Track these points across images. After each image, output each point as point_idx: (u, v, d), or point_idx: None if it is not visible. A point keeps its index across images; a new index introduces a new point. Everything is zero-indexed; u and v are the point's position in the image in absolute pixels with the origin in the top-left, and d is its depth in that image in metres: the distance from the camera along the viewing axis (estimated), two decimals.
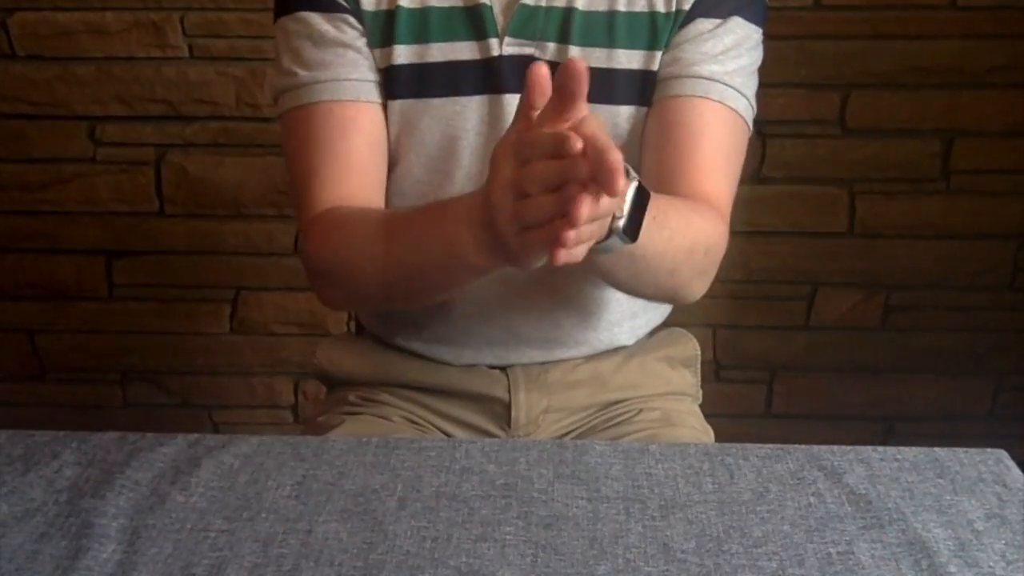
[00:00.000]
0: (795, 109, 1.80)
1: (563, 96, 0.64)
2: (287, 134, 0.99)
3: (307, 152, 0.96)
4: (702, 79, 0.94)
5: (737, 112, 0.96)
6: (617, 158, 0.61)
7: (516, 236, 0.69)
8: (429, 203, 0.87)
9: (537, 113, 0.67)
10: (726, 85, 0.95)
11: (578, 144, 0.62)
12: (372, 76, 0.97)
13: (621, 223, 0.72)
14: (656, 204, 0.77)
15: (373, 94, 0.97)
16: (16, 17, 1.79)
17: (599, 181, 0.62)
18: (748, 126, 0.98)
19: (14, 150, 1.88)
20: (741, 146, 0.98)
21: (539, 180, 0.66)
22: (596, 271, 0.89)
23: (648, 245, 0.78)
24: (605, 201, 0.65)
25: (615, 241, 0.74)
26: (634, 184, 0.73)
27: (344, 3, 0.95)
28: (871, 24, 1.77)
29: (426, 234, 0.84)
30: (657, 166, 0.95)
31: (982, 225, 1.89)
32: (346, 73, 0.95)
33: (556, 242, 0.65)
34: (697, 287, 0.94)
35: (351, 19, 0.95)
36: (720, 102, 0.95)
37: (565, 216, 0.64)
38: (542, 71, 0.66)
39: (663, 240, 0.83)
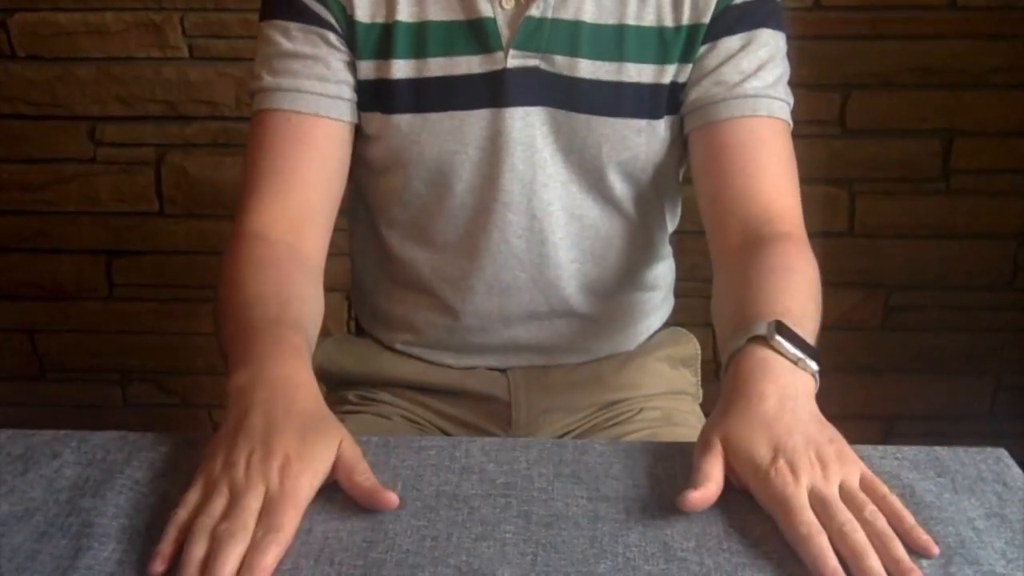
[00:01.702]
0: (795, 109, 1.79)
1: None
2: (249, 134, 0.97)
3: (256, 158, 0.95)
4: (748, 98, 0.94)
5: (784, 120, 0.96)
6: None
7: None
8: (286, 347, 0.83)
9: None
10: (772, 98, 0.95)
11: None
12: (339, 92, 0.95)
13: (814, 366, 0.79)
14: (788, 319, 0.80)
15: (336, 111, 0.95)
16: (16, 17, 1.79)
17: None
18: (791, 125, 0.99)
19: (14, 150, 1.88)
20: (793, 150, 0.98)
21: None
22: None
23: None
24: None
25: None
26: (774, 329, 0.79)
27: (328, 17, 0.94)
28: (871, 24, 1.77)
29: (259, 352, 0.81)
30: (721, 192, 0.95)
31: (982, 225, 1.89)
32: (310, 86, 0.94)
33: None
34: None
35: (330, 35, 0.95)
36: (768, 116, 0.95)
37: None
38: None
39: (812, 332, 0.84)
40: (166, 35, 1.80)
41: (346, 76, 0.95)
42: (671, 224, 1.11)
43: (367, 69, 0.96)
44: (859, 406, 2.02)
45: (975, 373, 2.00)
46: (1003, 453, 0.84)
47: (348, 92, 0.96)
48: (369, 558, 0.71)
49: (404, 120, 0.96)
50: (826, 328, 2.06)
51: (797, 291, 0.86)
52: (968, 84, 1.80)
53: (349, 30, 0.95)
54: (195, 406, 2.07)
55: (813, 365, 0.79)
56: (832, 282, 1.92)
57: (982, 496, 0.78)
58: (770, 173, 0.94)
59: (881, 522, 0.70)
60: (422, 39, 0.95)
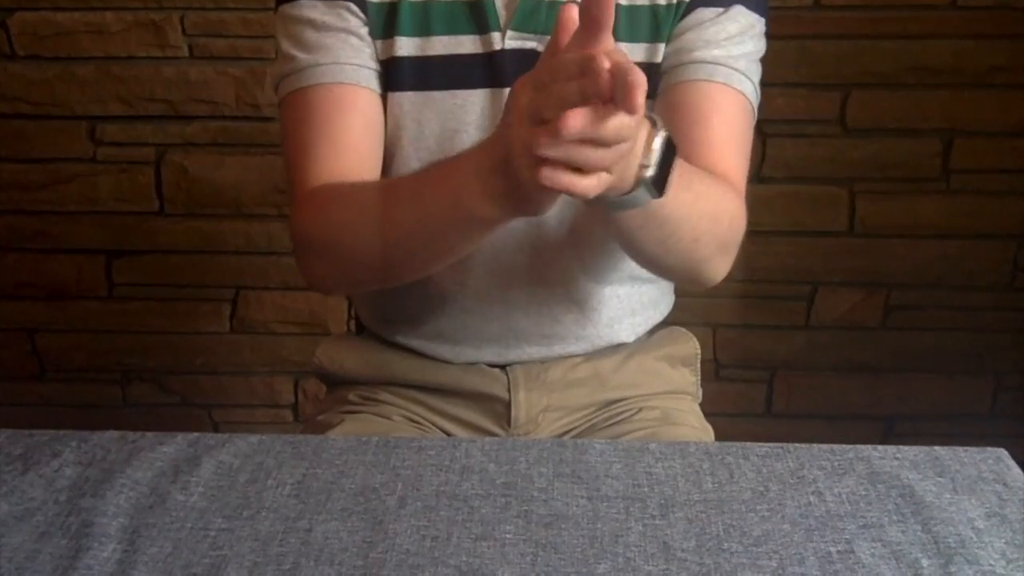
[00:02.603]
0: (795, 109, 1.80)
1: (589, 27, 0.63)
2: (284, 117, 0.98)
3: (302, 131, 0.95)
4: (706, 63, 0.94)
5: (743, 94, 0.96)
6: (640, 77, 0.60)
7: (529, 169, 0.66)
8: (431, 162, 0.85)
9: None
10: (731, 68, 0.94)
11: (605, 62, 0.61)
12: (373, 64, 0.96)
13: (649, 172, 0.71)
14: (682, 164, 0.76)
15: (373, 82, 0.96)
16: (16, 17, 1.79)
17: (620, 98, 0.61)
18: (754, 111, 0.98)
19: (14, 150, 1.88)
20: (749, 128, 0.98)
21: (558, 101, 0.63)
22: (621, 234, 0.86)
23: (674, 204, 0.77)
24: (616, 123, 0.63)
25: (642, 193, 0.72)
26: (662, 135, 0.72)
27: None
28: (871, 24, 1.77)
29: (429, 189, 0.82)
30: None
31: (982, 225, 1.89)
32: (347, 57, 0.95)
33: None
34: (719, 264, 0.92)
35: (353, 7, 0.95)
36: (726, 84, 0.94)
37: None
38: (571, 12, 0.65)
39: (689, 202, 0.81)
40: (166, 34, 1.80)
41: (373, 47, 0.96)
42: None
43: (376, 47, 0.96)
44: (859, 406, 2.02)
45: (975, 373, 2.00)
46: (1003, 453, 0.84)
47: (377, 64, 0.97)
48: (369, 558, 0.71)
49: (407, 98, 0.97)
50: (826, 327, 2.08)
51: (704, 182, 0.85)
52: (968, 84, 1.80)
53: (362, 8, 0.96)
54: (195, 406, 2.07)
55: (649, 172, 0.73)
56: (832, 282, 1.95)
57: (982, 496, 0.78)
58: (718, 136, 0.94)
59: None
60: (426, 17, 0.96)
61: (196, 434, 0.85)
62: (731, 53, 0.95)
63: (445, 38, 0.96)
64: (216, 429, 2.08)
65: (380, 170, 0.98)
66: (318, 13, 0.96)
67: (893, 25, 1.77)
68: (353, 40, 0.96)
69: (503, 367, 1.07)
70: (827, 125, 1.82)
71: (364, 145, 0.96)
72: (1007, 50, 1.78)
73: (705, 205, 0.86)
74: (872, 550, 0.72)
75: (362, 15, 0.96)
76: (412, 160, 0.99)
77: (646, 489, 0.78)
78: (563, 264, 1.03)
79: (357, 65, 0.95)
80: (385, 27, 0.96)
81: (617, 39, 0.95)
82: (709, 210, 0.87)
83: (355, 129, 0.95)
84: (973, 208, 1.88)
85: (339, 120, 0.95)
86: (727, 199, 0.90)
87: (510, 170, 0.70)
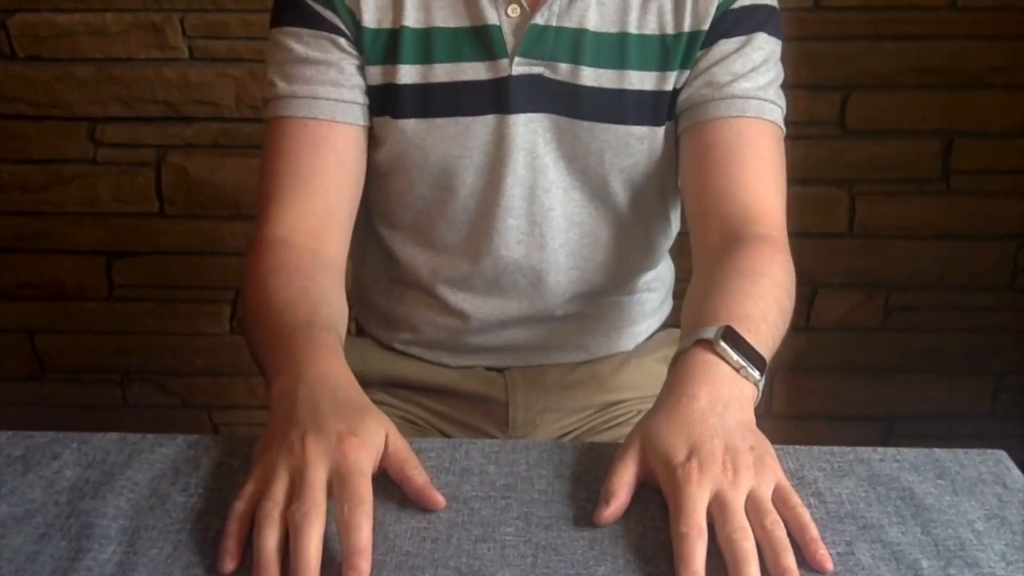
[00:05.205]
0: (795, 110, 1.78)
1: None
2: (264, 142, 0.98)
3: (276, 163, 0.95)
4: (736, 98, 0.94)
5: (774, 123, 0.96)
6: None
7: None
8: (323, 345, 0.82)
9: None
10: (761, 100, 0.95)
11: None
12: (353, 97, 0.96)
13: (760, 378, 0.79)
14: (744, 324, 0.80)
15: (350, 115, 0.96)
16: (16, 18, 1.79)
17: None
18: (783, 130, 0.99)
19: (14, 151, 1.88)
20: (782, 154, 0.98)
21: None
22: None
23: (769, 349, 0.82)
24: None
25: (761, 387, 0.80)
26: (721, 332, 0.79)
27: (338, 23, 0.95)
28: (871, 24, 1.77)
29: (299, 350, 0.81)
30: (702, 191, 0.95)
31: (982, 225, 1.89)
32: (324, 92, 0.95)
33: None
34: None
35: (340, 40, 0.95)
36: (757, 117, 0.95)
37: None
38: None
39: (770, 338, 0.84)
40: (166, 36, 1.80)
41: (358, 80, 0.96)
42: (674, 229, 1.11)
43: (375, 74, 0.96)
44: (859, 406, 2.02)
45: (975, 373, 2.00)
46: (1003, 455, 0.84)
47: (361, 96, 0.96)
48: None
49: (410, 124, 0.96)
50: (826, 328, 2.07)
51: (760, 296, 0.86)
52: (968, 84, 1.80)
53: (357, 35, 0.95)
54: (195, 407, 2.07)
55: (756, 374, 0.78)
56: (832, 282, 1.95)
57: (982, 498, 0.78)
58: (753, 173, 0.94)
59: (779, 531, 0.68)
60: (429, 45, 0.95)
61: (196, 436, 0.85)
62: (759, 84, 0.95)
63: (448, 65, 0.95)
64: (216, 430, 2.08)
65: (353, 203, 0.98)
66: (301, 43, 0.95)
67: (893, 25, 1.77)
68: (332, 73, 0.95)
69: (501, 370, 1.08)
70: (827, 126, 1.82)
71: (334, 184, 0.95)
72: (1007, 50, 1.78)
73: (776, 316, 0.87)
74: (872, 552, 0.72)
75: (351, 48, 0.95)
76: (418, 183, 0.99)
77: (646, 490, 0.78)
78: (563, 284, 1.03)
79: (334, 100, 0.95)
80: (385, 54, 0.95)
81: (628, 67, 0.95)
82: (778, 315, 0.88)
83: (326, 169, 0.95)
84: (973, 209, 1.88)
85: (311, 160, 0.94)
86: (776, 282, 0.90)
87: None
